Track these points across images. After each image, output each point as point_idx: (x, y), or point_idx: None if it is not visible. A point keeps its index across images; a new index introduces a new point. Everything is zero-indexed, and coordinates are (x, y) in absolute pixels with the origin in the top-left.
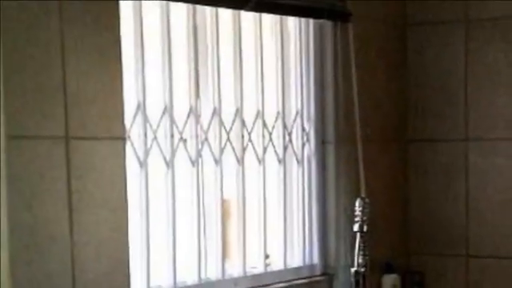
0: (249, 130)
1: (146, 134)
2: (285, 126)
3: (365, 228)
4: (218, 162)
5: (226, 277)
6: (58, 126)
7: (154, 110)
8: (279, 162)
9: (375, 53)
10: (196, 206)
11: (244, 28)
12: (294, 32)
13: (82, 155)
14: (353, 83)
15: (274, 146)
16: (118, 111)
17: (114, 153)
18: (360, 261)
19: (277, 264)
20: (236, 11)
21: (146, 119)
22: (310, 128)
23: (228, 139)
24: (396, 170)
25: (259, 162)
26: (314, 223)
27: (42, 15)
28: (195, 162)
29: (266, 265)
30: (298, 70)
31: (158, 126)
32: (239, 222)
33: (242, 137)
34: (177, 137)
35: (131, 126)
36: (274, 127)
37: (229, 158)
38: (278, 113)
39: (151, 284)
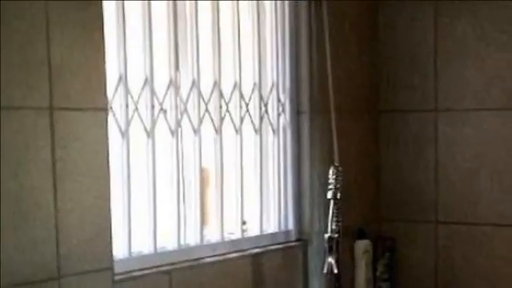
0: (226, 101)
1: (127, 105)
2: (261, 98)
3: (338, 195)
4: (196, 131)
5: (205, 242)
6: (43, 98)
7: (136, 81)
8: (256, 131)
9: (348, 28)
10: (176, 175)
11: (222, 2)
12: (270, 7)
13: (66, 125)
14: (327, 56)
15: (250, 117)
16: (100, 83)
17: (97, 123)
18: (333, 227)
19: (253, 230)
20: None
21: (127, 91)
22: (286, 99)
23: (206, 110)
24: (368, 140)
25: (236, 131)
26: (289, 191)
27: None
28: (175, 132)
29: (243, 231)
30: (274, 43)
31: (139, 97)
32: (217, 190)
33: (220, 107)
34: (157, 108)
35: (113, 97)
36: (250, 98)
37: (207, 128)
38: (255, 84)
39: (132, 249)
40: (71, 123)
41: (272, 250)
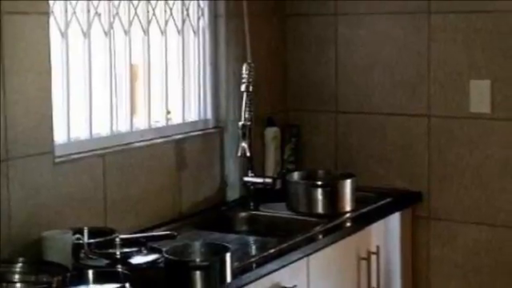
0: (153, 6)
1: (66, 10)
2: (183, 3)
3: (250, 88)
4: (127, 32)
5: (134, 129)
6: None
7: None
8: (178, 32)
9: None
10: (108, 70)
11: None
12: None
13: (13, 27)
14: None
15: (174, 20)
16: None
17: (40, 25)
18: (246, 116)
19: (176, 118)
20: None
21: None
22: (205, 4)
23: (136, 13)
24: (277, 40)
25: (162, 32)
26: (207, 84)
27: None
28: (108, 33)
29: (168, 119)
30: None
31: (77, 2)
32: (145, 84)
33: (148, 12)
34: (92, 12)
35: (54, 2)
36: (174, 3)
37: (136, 30)
38: None
39: (71, 135)
40: (18, 25)
41: (193, 136)
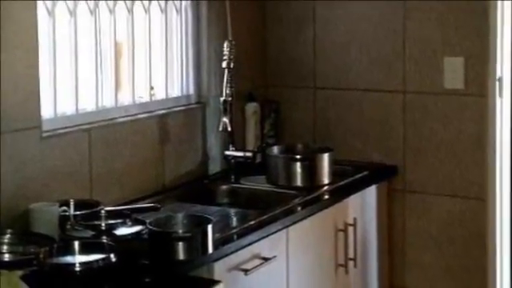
0: None
1: None
2: None
3: (231, 65)
4: (112, 11)
5: (119, 105)
6: None
7: None
8: (162, 11)
9: None
10: (94, 48)
11: None
12: None
13: (2, 6)
14: None
15: None
16: None
17: (28, 4)
18: (227, 91)
19: (160, 94)
20: None
21: None
22: None
23: None
24: (257, 19)
25: (146, 11)
26: (190, 61)
27: None
28: (93, 12)
29: (151, 95)
30: None
31: None
32: (129, 61)
33: None
34: None
35: None
36: None
37: (121, 9)
38: None
39: (57, 110)
40: (6, 4)
41: (176, 112)
